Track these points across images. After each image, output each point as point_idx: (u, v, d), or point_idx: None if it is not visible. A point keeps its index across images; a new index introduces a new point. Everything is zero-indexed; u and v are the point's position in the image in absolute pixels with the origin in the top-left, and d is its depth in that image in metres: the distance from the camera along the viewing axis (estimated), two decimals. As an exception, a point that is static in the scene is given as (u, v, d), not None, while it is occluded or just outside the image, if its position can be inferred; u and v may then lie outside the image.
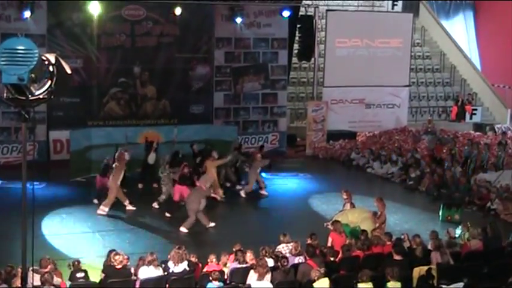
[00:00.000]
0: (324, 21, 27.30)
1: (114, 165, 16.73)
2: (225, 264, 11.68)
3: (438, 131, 25.96)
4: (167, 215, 16.42)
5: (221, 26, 23.48)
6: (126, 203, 16.89)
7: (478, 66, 32.41)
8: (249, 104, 24.35)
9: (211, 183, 16.75)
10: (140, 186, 18.95)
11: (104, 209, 16.37)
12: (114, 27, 22.26)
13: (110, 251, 11.46)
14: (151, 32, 22.71)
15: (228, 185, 19.09)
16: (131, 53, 22.60)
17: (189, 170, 17.10)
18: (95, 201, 17.05)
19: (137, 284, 10.76)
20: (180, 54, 23.23)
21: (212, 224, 15.64)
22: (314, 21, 25.27)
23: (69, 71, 6.37)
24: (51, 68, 6.11)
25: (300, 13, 24.91)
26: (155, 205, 17.15)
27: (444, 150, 22.70)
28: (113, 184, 16.46)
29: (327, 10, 27.18)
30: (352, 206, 14.69)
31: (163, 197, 17.13)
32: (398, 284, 10.21)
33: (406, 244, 12.44)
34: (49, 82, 6.12)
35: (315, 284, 10.16)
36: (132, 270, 11.16)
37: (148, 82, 23.01)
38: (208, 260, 11.67)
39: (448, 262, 11.73)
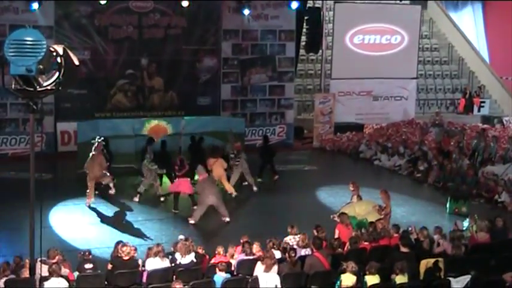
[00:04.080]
0: (331, 13, 27.25)
1: (91, 154, 16.46)
2: (232, 256, 11.69)
3: (446, 123, 25.94)
4: (174, 211, 16.31)
5: (228, 18, 23.45)
6: (91, 198, 16.44)
7: (486, 59, 32.30)
8: (256, 96, 24.34)
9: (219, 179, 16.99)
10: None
11: (88, 201, 16.36)
12: (121, 19, 22.27)
13: (117, 243, 11.48)
14: (159, 24, 22.72)
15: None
16: (138, 45, 22.63)
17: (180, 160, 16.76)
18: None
19: (144, 275, 10.79)
20: (187, 46, 23.24)
21: (227, 219, 15.50)
22: (322, 13, 25.23)
23: (76, 63, 6.38)
24: (59, 60, 6.13)
25: (308, 5, 24.89)
26: (135, 199, 16.95)
27: (452, 143, 22.65)
28: (90, 173, 16.34)
29: (335, 2, 27.11)
30: (359, 198, 14.66)
31: (142, 187, 17.04)
32: (405, 278, 10.21)
33: (413, 236, 12.43)
34: (57, 73, 6.14)
35: (342, 276, 10.12)
36: (140, 262, 11.18)
37: (156, 74, 23.05)
38: (216, 252, 11.69)
39: (460, 255, 11.72)
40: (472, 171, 19.40)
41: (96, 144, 16.54)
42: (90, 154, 16.46)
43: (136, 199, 16.96)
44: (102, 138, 16.83)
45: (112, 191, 17.17)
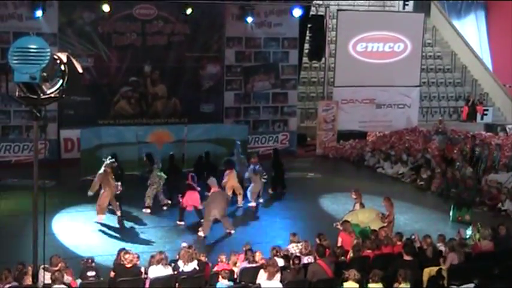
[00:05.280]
0: (334, 21, 27.27)
1: (101, 171, 15.97)
2: (234, 264, 11.68)
3: (449, 131, 25.89)
4: (179, 223, 16.00)
5: (232, 25, 23.49)
6: (119, 211, 16.27)
7: (490, 67, 32.28)
8: (259, 104, 24.36)
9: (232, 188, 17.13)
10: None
11: (100, 217, 15.95)
12: (125, 26, 22.32)
13: (120, 250, 11.48)
14: (162, 31, 22.77)
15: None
16: (142, 52, 22.67)
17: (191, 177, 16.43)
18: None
19: (147, 283, 10.78)
20: (190, 53, 23.29)
21: (233, 231, 15.39)
22: (325, 21, 25.23)
23: (80, 70, 6.39)
24: (62, 67, 6.13)
25: (311, 13, 24.88)
26: (147, 210, 16.76)
27: (455, 151, 22.62)
28: (108, 190, 15.93)
29: (338, 10, 27.16)
30: (362, 206, 14.64)
31: (148, 201, 16.77)
32: (408, 286, 10.17)
33: (417, 244, 12.40)
34: (61, 81, 6.14)
35: (345, 284, 10.08)
36: (143, 269, 11.18)
37: (159, 81, 23.09)
38: (219, 260, 11.69)
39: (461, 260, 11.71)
40: (475, 179, 19.39)
41: (108, 162, 16.10)
42: (101, 171, 15.96)
43: (148, 210, 16.77)
44: (114, 159, 16.33)
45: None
